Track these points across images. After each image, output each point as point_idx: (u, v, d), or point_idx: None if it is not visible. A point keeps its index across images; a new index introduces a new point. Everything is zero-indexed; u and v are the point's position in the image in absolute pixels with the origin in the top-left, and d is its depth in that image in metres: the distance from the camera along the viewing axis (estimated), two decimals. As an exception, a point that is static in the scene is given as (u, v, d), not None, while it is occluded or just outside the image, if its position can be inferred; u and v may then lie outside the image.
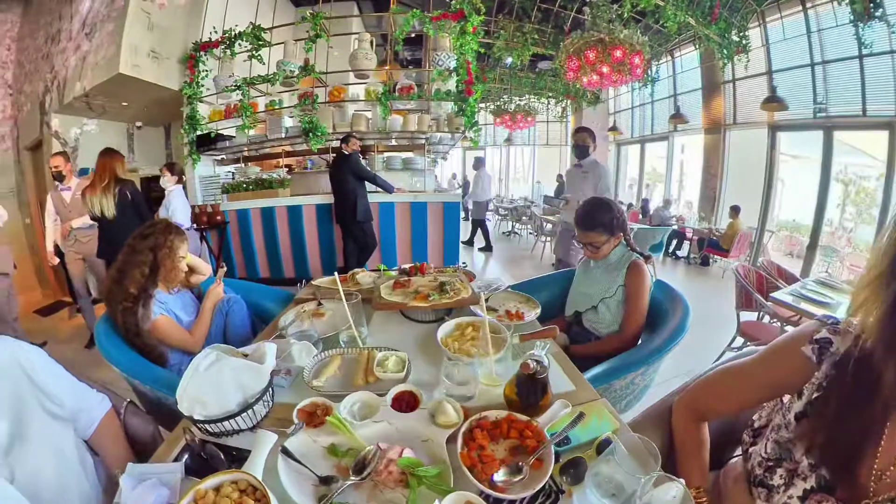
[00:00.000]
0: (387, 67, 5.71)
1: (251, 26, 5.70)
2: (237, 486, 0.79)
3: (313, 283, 2.18)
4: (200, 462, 0.95)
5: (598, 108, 11.53)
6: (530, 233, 9.95)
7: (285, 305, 2.12)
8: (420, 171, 6.21)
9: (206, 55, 5.83)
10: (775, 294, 2.89)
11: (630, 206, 11.25)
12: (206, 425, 1.01)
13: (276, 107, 5.93)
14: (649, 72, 8.24)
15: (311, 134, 5.44)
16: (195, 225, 5.16)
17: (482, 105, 10.32)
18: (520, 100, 11.05)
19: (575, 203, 3.76)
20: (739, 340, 3.34)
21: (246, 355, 1.19)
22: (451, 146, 7.28)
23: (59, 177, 3.99)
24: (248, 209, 5.55)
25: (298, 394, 1.23)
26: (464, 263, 2.33)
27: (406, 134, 5.83)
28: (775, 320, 3.21)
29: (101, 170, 3.66)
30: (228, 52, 5.80)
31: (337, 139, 5.15)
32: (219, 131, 6.09)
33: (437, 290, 1.73)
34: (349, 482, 0.87)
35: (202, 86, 5.86)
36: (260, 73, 5.75)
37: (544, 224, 8.14)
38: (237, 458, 0.98)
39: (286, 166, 6.76)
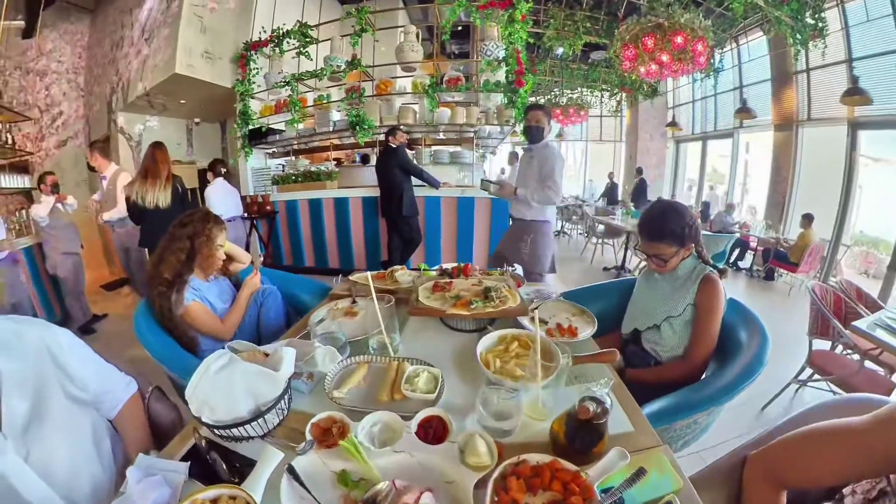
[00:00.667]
0: (433, 60, 5.59)
1: (298, 24, 5.89)
2: (234, 501, 0.76)
3: (350, 277, 2.07)
4: (205, 466, 0.91)
5: (656, 102, 10.91)
6: (580, 233, 9.47)
7: (322, 298, 2.06)
8: (468, 166, 6.07)
9: (256, 54, 6.11)
10: (857, 323, 2.36)
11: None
12: (215, 429, 0.97)
13: (324, 101, 5.97)
14: (712, 60, 7.50)
15: (357, 127, 5.43)
16: (245, 214, 5.57)
17: (532, 98, 9.70)
18: (572, 93, 10.60)
19: (510, 191, 3.17)
20: (807, 372, 2.82)
21: (267, 354, 1.16)
22: (501, 140, 7.05)
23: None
24: (296, 200, 5.80)
25: (319, 402, 1.16)
26: (512, 268, 2.10)
27: (454, 127, 5.68)
28: (852, 352, 2.69)
29: (161, 164, 3.70)
30: (277, 50, 6.03)
31: (384, 132, 5.09)
32: (270, 126, 6.33)
33: (481, 296, 1.55)
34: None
35: (253, 83, 6.16)
36: (308, 69, 5.92)
37: (596, 225, 7.63)
38: (241, 469, 0.91)
39: (335, 159, 6.94)
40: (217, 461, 0.91)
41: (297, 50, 5.95)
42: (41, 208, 4.00)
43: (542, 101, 10.21)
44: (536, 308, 1.52)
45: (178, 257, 1.77)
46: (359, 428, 0.95)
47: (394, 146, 4.67)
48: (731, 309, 1.74)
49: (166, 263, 1.77)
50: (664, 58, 5.32)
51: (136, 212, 3.66)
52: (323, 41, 5.98)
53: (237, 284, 2.10)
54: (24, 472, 0.85)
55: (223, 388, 0.96)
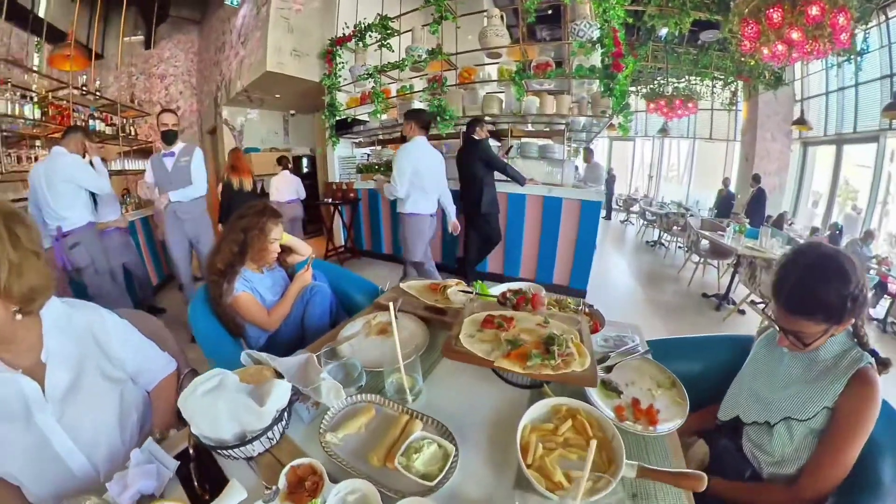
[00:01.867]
0: (520, 44, 5.08)
1: (378, 18, 5.96)
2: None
3: (401, 285, 1.83)
4: (190, 471, 0.94)
5: (780, 93, 8.79)
6: (680, 247, 7.98)
7: (373, 301, 1.91)
8: (558, 162, 5.51)
9: (341, 49, 6.39)
10: None
11: (814, 230, 8.18)
12: (202, 441, 0.96)
13: (407, 91, 5.85)
14: (856, 39, 5.93)
15: (438, 117, 5.19)
16: (331, 199, 6.24)
17: (631, 88, 8.44)
18: (678, 82, 8.88)
19: (392, 188, 3.54)
20: None
21: (278, 373, 1.14)
22: (596, 134, 6.32)
23: (170, 137, 3.77)
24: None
25: (316, 436, 1.03)
26: (589, 306, 1.67)
27: (543, 118, 5.18)
28: None
29: (246, 161, 4.71)
30: (360, 44, 6.21)
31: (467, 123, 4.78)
32: (356, 117, 6.59)
33: (542, 347, 1.14)
34: None
35: (339, 76, 6.49)
36: (390, 61, 5.89)
37: (699, 240, 5.84)
38: (214, 489, 0.88)
39: None
40: (192, 474, 0.92)
41: (379, 42, 5.98)
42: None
43: (644, 90, 9.19)
44: (610, 383, 1.18)
45: (231, 249, 1.85)
46: (333, 491, 0.83)
47: (476, 138, 4.36)
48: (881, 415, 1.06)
49: (221, 254, 1.85)
50: (794, 35, 4.33)
51: (228, 194, 4.60)
52: (404, 32, 5.92)
53: (293, 276, 2.10)
54: (55, 429, 1.04)
55: (208, 411, 0.95)
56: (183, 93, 8.83)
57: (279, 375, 1.12)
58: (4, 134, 4.90)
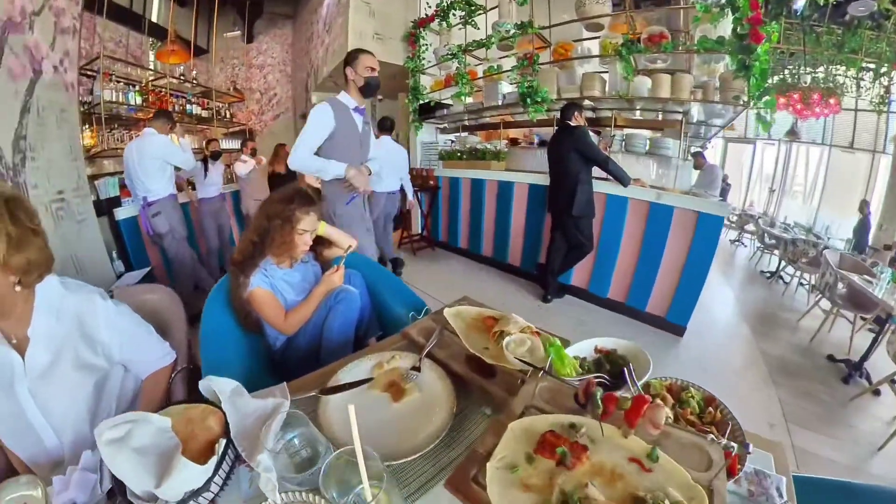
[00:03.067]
0: (625, 11, 4.16)
1: None
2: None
3: (446, 312, 1.28)
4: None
5: None
6: (804, 284, 5.84)
7: (419, 317, 1.56)
8: (670, 161, 4.57)
9: (424, 30, 6.18)
10: None
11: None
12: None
13: (494, 72, 5.28)
14: None
15: (528, 100, 4.53)
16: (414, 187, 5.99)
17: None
18: (815, 71, 6.75)
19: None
20: None
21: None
22: (719, 130, 5.19)
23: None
24: (459, 178, 5.62)
25: None
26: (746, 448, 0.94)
27: (656, 104, 4.23)
28: None
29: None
30: (444, 23, 5.91)
31: (561, 108, 4.04)
32: (440, 101, 6.28)
33: None
34: None
35: (423, 59, 6.26)
36: (475, 39, 5.40)
37: (837, 283, 3.83)
38: None
39: (512, 139, 6.34)
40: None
41: (463, 20, 5.54)
42: (241, 166, 5.32)
43: (774, 79, 7.66)
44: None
45: (251, 238, 1.65)
46: None
47: (572, 125, 3.69)
48: None
49: (242, 242, 1.69)
50: None
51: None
52: (491, 8, 5.39)
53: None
54: (30, 403, 1.10)
55: (111, 462, 0.79)
56: (279, 81, 9.74)
57: (227, 427, 0.90)
58: (109, 116, 5.69)
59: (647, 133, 4.71)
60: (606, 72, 4.44)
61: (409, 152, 6.36)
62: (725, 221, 3.66)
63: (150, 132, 3.80)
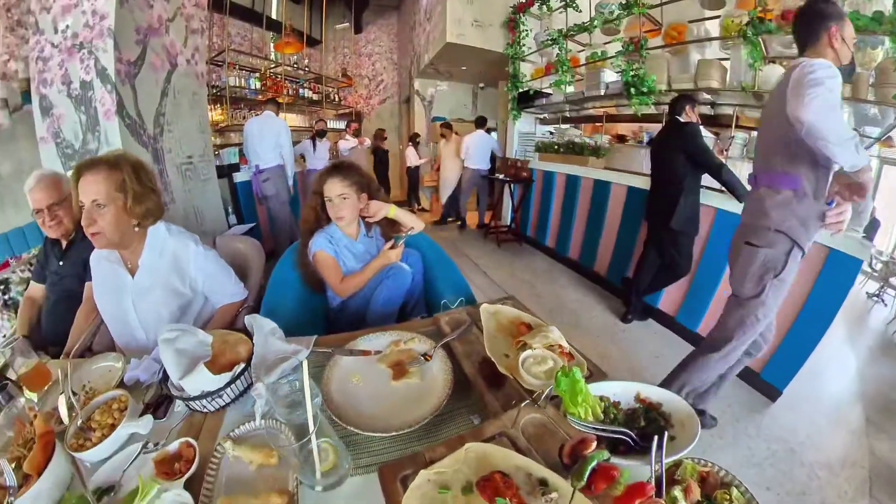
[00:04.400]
0: None
1: None
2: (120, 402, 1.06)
3: (484, 307, 1.25)
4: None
5: None
6: None
7: (467, 304, 1.63)
8: None
9: (524, 15, 5.94)
10: None
11: None
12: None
13: (598, 59, 4.74)
14: None
15: (632, 90, 4.00)
16: (503, 175, 6.13)
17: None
18: None
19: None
20: None
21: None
22: (878, 139, 3.78)
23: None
24: (554, 172, 5.34)
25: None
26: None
27: None
28: None
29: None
30: (545, 7, 5.60)
31: (671, 101, 3.47)
32: (539, 89, 5.92)
33: None
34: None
35: (523, 45, 5.99)
36: (577, 23, 4.94)
37: None
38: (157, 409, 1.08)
39: (618, 135, 5.84)
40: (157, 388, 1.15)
41: (564, 3, 5.13)
42: (343, 144, 6.53)
43: None
44: None
45: (308, 207, 1.92)
46: (175, 490, 0.80)
47: (682, 121, 3.17)
48: None
49: (303, 211, 1.96)
50: None
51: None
52: None
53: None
54: (131, 309, 1.56)
55: (161, 354, 1.06)
56: (386, 68, 10.48)
57: (252, 355, 1.14)
58: (233, 98, 6.96)
59: None
60: (728, 59, 3.67)
61: (505, 142, 6.87)
62: (864, 267, 2.81)
63: (269, 114, 4.75)
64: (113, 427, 0.98)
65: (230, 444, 0.92)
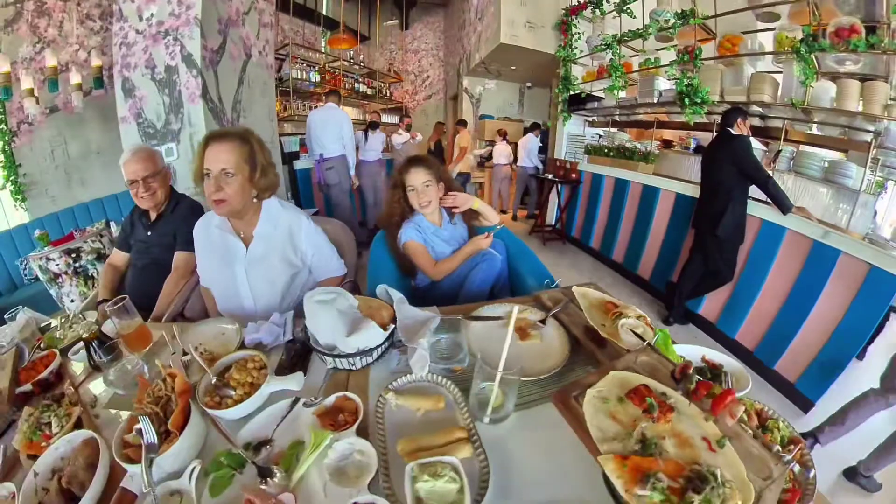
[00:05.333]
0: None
1: None
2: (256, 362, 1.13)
3: (575, 288, 1.47)
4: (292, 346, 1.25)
5: None
6: None
7: (539, 290, 1.72)
8: (849, 193, 3.48)
9: (576, 18, 6.02)
10: None
11: None
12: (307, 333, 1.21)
13: (651, 66, 4.83)
14: None
15: (686, 100, 4.10)
16: (551, 175, 6.25)
17: None
18: None
19: None
20: None
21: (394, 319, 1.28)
22: None
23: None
24: (602, 175, 5.41)
25: (383, 382, 1.10)
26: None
27: (839, 117, 3.35)
28: None
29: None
30: (598, 11, 5.66)
31: (724, 112, 3.57)
32: (590, 92, 6.04)
33: (681, 481, 0.67)
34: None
35: (575, 48, 6.05)
36: (631, 29, 4.98)
37: None
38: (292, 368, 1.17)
39: (664, 140, 5.87)
40: (287, 350, 1.25)
41: (618, 7, 5.17)
42: (397, 137, 6.61)
43: None
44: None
45: (389, 202, 2.09)
46: (349, 439, 0.87)
47: (734, 133, 3.28)
48: None
49: (385, 206, 2.14)
50: None
51: None
52: None
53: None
54: (243, 278, 1.62)
55: (313, 316, 1.18)
56: (432, 64, 10.78)
57: (394, 319, 1.28)
58: (294, 90, 7.32)
59: (825, 153, 3.77)
60: (780, 72, 3.72)
61: (553, 143, 6.90)
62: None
63: (331, 105, 4.97)
64: (253, 385, 1.04)
65: (392, 395, 1.03)
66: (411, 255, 2.00)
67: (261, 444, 0.88)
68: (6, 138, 4.34)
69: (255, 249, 1.63)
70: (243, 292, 1.64)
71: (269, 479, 0.79)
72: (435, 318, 1.25)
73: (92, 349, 1.24)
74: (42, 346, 1.39)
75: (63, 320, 1.51)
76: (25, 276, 3.85)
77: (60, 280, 2.89)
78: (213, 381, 1.04)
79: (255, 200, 1.61)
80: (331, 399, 0.98)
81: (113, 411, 1.09)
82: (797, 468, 0.83)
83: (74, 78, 3.96)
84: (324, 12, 8.59)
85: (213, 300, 1.74)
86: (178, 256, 2.00)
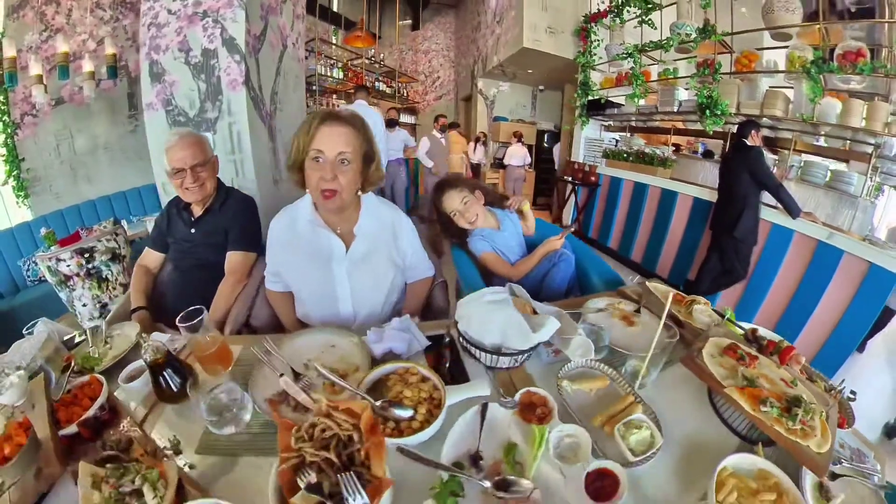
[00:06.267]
0: (818, 22, 3.72)
1: None
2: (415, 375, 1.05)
3: (648, 283, 1.75)
4: (438, 351, 1.14)
5: None
6: None
7: (609, 288, 1.94)
8: (852, 200, 3.88)
9: (596, 25, 6.18)
10: None
11: None
12: (461, 336, 1.19)
13: (670, 76, 5.12)
14: None
15: (707, 111, 4.42)
16: (570, 177, 6.43)
17: None
18: None
19: None
20: None
21: (535, 312, 1.27)
22: None
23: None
24: (621, 179, 5.60)
25: (543, 376, 1.17)
26: (847, 389, 1.26)
27: (843, 131, 3.76)
28: None
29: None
30: (617, 20, 5.81)
31: (739, 123, 3.92)
32: (609, 98, 6.23)
33: (784, 403, 0.97)
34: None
35: (594, 55, 6.25)
36: (652, 40, 5.23)
37: None
38: (453, 376, 1.12)
39: (674, 145, 6.14)
40: (443, 356, 1.14)
41: (639, 18, 5.37)
42: (425, 144, 6.24)
43: None
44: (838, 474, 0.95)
45: (446, 226, 2.09)
46: (558, 427, 0.92)
47: (749, 144, 3.61)
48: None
49: (430, 232, 2.14)
50: None
51: None
52: (667, 5, 5.13)
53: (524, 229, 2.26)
54: (343, 279, 1.46)
55: (484, 316, 1.16)
56: (443, 65, 10.83)
57: (535, 314, 1.28)
58: (317, 87, 7.41)
59: (829, 163, 4.15)
60: (791, 87, 4.08)
61: (570, 147, 7.13)
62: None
63: (361, 103, 4.92)
64: (432, 400, 0.96)
65: (567, 383, 1.12)
66: (490, 266, 2.02)
67: (474, 459, 0.85)
68: (9, 131, 4.03)
69: (358, 248, 1.46)
70: (341, 295, 1.47)
71: (508, 489, 0.76)
72: (563, 314, 1.28)
73: (165, 376, 1.00)
74: (75, 367, 1.10)
75: (93, 334, 1.24)
76: (29, 277, 3.60)
77: (72, 282, 2.54)
78: (379, 403, 0.92)
79: (359, 193, 1.45)
80: (518, 397, 1.01)
81: (209, 459, 0.87)
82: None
83: (87, 66, 3.76)
84: (334, 9, 8.76)
85: (286, 306, 1.59)
86: (233, 258, 1.78)
